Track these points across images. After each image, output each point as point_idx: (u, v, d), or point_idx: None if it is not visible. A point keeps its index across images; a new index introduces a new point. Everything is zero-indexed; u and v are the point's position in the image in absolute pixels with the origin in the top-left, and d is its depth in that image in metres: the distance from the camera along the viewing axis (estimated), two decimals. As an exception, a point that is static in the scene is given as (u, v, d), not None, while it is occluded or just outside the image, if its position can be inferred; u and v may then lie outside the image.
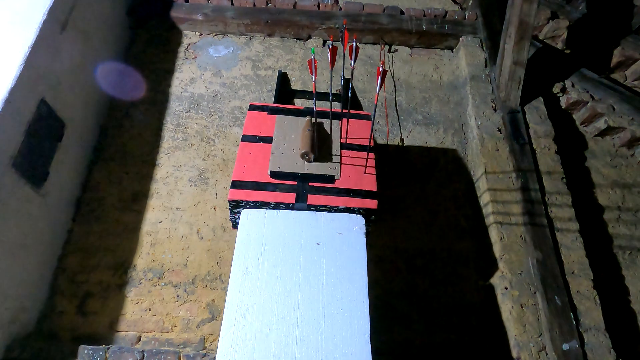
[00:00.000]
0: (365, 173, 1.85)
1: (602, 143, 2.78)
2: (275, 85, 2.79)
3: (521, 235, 2.23)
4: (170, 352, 1.87)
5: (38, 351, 1.86)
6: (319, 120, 1.99)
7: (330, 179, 1.81)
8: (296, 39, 3.08)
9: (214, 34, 3.05)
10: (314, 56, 1.44)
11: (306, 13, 2.99)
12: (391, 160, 2.62)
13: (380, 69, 1.41)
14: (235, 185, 1.76)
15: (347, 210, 1.77)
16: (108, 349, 1.86)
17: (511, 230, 2.24)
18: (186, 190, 2.43)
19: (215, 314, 2.12)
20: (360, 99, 2.83)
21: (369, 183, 1.82)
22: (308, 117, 1.95)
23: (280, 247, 1.64)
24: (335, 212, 1.78)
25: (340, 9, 3.05)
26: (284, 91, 2.76)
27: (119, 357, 1.85)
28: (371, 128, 1.79)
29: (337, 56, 1.70)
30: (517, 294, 2.08)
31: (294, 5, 3.02)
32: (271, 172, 1.80)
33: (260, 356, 1.40)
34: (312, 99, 2.11)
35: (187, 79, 2.84)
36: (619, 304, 2.28)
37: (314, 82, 1.52)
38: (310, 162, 1.83)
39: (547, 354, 1.96)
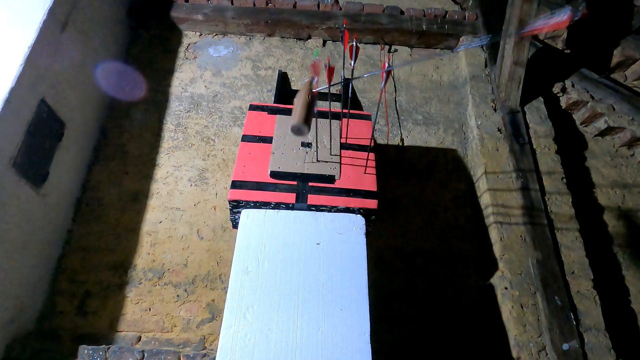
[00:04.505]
0: (365, 173, 1.85)
1: (602, 143, 2.78)
2: (275, 85, 2.79)
3: (521, 235, 2.23)
4: (170, 352, 1.87)
5: (38, 351, 1.86)
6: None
7: (330, 179, 1.81)
8: (296, 39, 3.08)
9: (214, 34, 3.05)
10: (315, 59, 1.44)
11: (306, 13, 2.99)
12: (391, 160, 2.62)
13: (386, 66, 1.40)
14: (236, 185, 1.76)
15: (347, 210, 1.77)
16: (108, 349, 1.86)
17: (511, 230, 2.24)
18: (186, 190, 2.43)
19: (215, 314, 2.12)
20: (360, 99, 2.83)
21: (369, 183, 1.82)
22: (308, 80, 1.57)
23: (280, 247, 1.64)
24: (335, 212, 1.78)
25: (340, 9, 3.04)
26: (284, 91, 2.76)
27: (119, 357, 1.85)
28: (372, 128, 1.79)
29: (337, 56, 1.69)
30: (517, 294, 2.08)
31: (294, 5, 3.02)
32: (271, 172, 1.80)
33: (260, 356, 1.40)
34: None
35: (187, 79, 2.83)
36: (619, 304, 2.28)
37: (316, 84, 1.51)
38: (303, 135, 1.50)
39: (547, 354, 1.96)
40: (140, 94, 2.74)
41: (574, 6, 2.91)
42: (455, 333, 2.16)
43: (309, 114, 1.44)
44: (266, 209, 1.75)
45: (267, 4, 3.02)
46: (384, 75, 1.44)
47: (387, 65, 1.41)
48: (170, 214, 2.36)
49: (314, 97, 1.47)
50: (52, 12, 2.07)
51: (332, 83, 1.50)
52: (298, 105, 1.45)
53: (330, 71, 1.47)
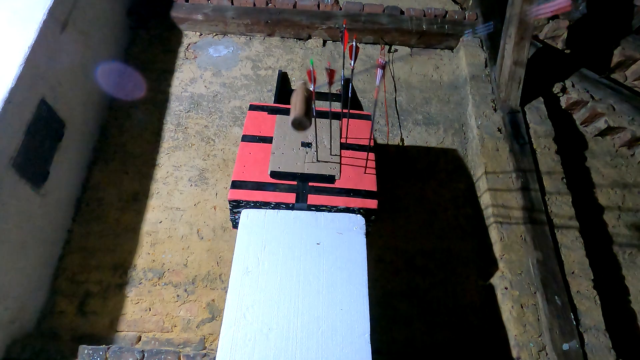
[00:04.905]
0: (365, 173, 1.85)
1: (602, 143, 2.78)
2: (275, 85, 2.79)
3: (521, 235, 2.23)
4: (170, 352, 1.87)
5: (38, 351, 1.86)
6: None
7: (330, 179, 1.81)
8: (296, 39, 3.08)
9: (214, 34, 3.05)
10: (312, 67, 1.45)
11: (306, 13, 2.99)
12: (391, 160, 2.62)
13: (380, 61, 1.41)
14: (236, 185, 1.76)
15: (347, 210, 1.77)
16: (108, 349, 1.86)
17: (511, 230, 2.24)
18: (186, 190, 2.43)
19: (215, 313, 2.12)
20: (360, 98, 2.83)
21: (369, 183, 1.82)
22: (302, 82, 1.58)
23: (280, 247, 1.64)
24: (335, 212, 1.77)
25: (340, 9, 3.04)
26: (284, 91, 2.76)
27: (119, 357, 1.85)
28: (370, 127, 1.79)
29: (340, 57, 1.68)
30: (517, 294, 2.08)
31: (294, 5, 3.02)
32: (271, 172, 1.80)
33: (260, 356, 1.40)
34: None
35: (187, 79, 2.83)
36: (619, 304, 2.28)
37: (313, 90, 1.52)
38: (304, 130, 1.48)
39: (547, 354, 1.96)
40: (140, 94, 2.74)
41: (574, 6, 2.91)
42: (456, 333, 2.16)
43: (309, 108, 1.44)
44: (266, 209, 1.75)
45: (267, 4, 3.02)
46: (379, 70, 1.43)
47: (381, 60, 1.40)
48: (170, 214, 2.36)
49: (311, 94, 1.47)
50: (52, 12, 2.07)
51: (332, 82, 1.50)
52: (297, 100, 1.43)
53: (331, 74, 1.47)
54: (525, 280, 2.12)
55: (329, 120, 1.97)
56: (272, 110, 2.04)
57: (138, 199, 2.39)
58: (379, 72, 1.43)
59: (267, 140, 1.91)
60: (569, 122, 2.84)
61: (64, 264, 2.19)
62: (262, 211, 1.74)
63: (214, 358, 1.81)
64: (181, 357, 1.86)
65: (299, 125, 1.42)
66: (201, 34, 3.04)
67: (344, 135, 1.96)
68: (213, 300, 2.15)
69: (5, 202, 1.80)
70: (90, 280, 2.16)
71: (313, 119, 1.83)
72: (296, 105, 1.42)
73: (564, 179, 2.42)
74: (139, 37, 2.96)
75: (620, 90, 2.74)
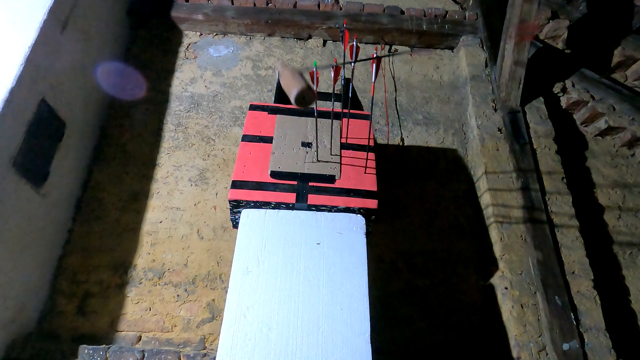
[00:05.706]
0: (365, 173, 1.85)
1: (602, 143, 2.78)
2: (275, 85, 2.78)
3: (521, 235, 2.23)
4: (171, 351, 1.87)
5: (38, 351, 1.86)
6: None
7: (331, 178, 1.81)
8: (296, 38, 3.08)
9: (214, 34, 3.05)
10: (316, 69, 1.45)
11: (306, 13, 2.99)
12: (391, 160, 2.62)
13: (375, 55, 1.41)
14: (236, 185, 1.76)
15: (347, 210, 1.77)
16: (108, 348, 1.86)
17: (511, 230, 2.24)
18: (186, 190, 2.43)
19: (215, 313, 2.12)
20: (360, 98, 2.83)
21: (369, 183, 1.82)
22: (280, 61, 1.39)
23: (280, 247, 1.64)
24: (335, 212, 1.77)
25: (341, 8, 3.04)
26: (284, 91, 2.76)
27: (119, 356, 1.85)
28: (369, 127, 1.79)
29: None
30: (517, 294, 2.08)
31: (294, 5, 3.02)
32: (271, 172, 1.80)
33: (260, 356, 1.40)
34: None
35: (188, 78, 2.83)
36: (619, 304, 2.28)
37: (316, 91, 1.52)
38: (308, 105, 1.31)
39: (547, 354, 1.96)
40: (141, 93, 2.74)
41: (574, 6, 2.91)
42: (456, 333, 2.16)
43: (307, 81, 1.28)
44: (266, 208, 1.75)
45: (267, 3, 3.02)
46: (374, 65, 1.44)
47: (376, 55, 1.41)
48: (170, 214, 2.36)
49: (294, 70, 1.33)
50: (52, 12, 2.07)
51: (337, 79, 1.50)
52: (293, 75, 1.27)
53: (337, 71, 1.47)
54: (525, 280, 2.12)
55: (328, 120, 1.97)
56: (272, 110, 2.04)
57: (138, 199, 2.39)
58: (374, 67, 1.43)
59: (267, 140, 1.91)
60: (569, 122, 2.84)
61: (64, 264, 2.19)
62: (262, 211, 1.74)
63: (214, 358, 1.81)
64: (181, 357, 1.86)
65: (303, 99, 1.23)
66: (201, 34, 3.04)
67: (344, 135, 1.96)
68: (213, 300, 2.15)
69: (5, 202, 1.80)
70: (90, 280, 2.16)
71: (312, 119, 1.83)
72: (295, 79, 1.25)
73: (564, 179, 2.41)
74: (139, 37, 2.96)
75: (620, 90, 2.74)
